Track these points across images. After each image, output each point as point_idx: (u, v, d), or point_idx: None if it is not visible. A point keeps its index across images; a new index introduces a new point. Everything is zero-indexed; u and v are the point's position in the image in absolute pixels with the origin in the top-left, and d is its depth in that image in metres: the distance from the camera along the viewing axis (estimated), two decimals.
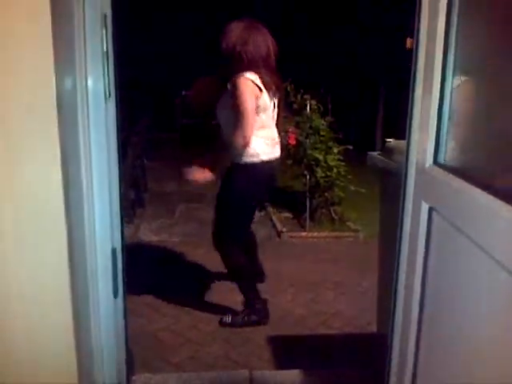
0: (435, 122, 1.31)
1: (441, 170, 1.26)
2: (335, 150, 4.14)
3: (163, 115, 7.95)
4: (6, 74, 1.09)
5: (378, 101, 7.81)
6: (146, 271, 3.12)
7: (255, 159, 2.39)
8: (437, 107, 1.31)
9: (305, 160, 4.08)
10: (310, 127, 4.12)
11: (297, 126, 4.15)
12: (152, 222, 4.31)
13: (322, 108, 4.21)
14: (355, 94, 8.21)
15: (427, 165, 1.32)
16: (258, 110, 2.33)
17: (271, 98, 2.43)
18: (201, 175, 2.44)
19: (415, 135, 1.41)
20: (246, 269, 2.63)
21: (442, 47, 1.30)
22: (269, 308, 2.67)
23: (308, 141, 4.07)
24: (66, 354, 1.18)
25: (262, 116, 2.38)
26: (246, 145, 2.31)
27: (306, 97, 4.17)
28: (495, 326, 1.00)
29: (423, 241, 1.34)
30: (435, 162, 1.31)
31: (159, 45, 8.80)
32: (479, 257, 1.05)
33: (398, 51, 8.56)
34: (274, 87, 2.40)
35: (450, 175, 1.21)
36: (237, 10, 8.79)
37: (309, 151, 4.04)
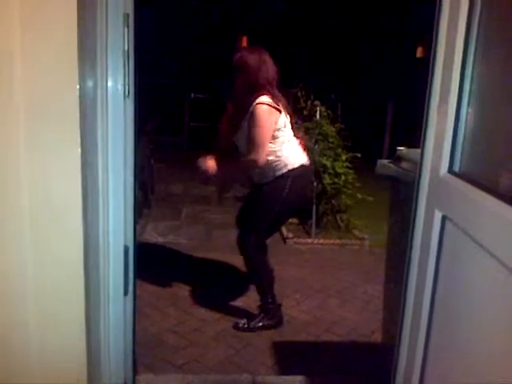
0: (451, 130, 1.30)
1: (456, 179, 1.26)
2: (343, 157, 4.14)
3: (171, 117, 7.99)
4: (33, 68, 1.11)
5: (386, 109, 7.81)
6: (151, 272, 3.13)
7: (290, 167, 2.48)
8: (454, 115, 1.30)
9: (312, 166, 4.07)
10: (319, 133, 4.12)
11: (306, 132, 4.15)
12: (158, 223, 4.32)
13: (331, 114, 4.21)
14: (364, 102, 8.22)
15: (442, 173, 1.32)
16: (279, 128, 2.45)
17: (287, 116, 2.53)
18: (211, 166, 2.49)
19: (430, 143, 1.41)
20: (269, 272, 2.64)
21: (462, 54, 1.29)
22: (283, 313, 2.69)
23: (316, 147, 4.07)
24: (77, 350, 1.19)
25: (286, 130, 2.50)
26: (258, 167, 2.44)
27: (315, 103, 4.18)
28: (509, 336, 1.00)
29: (435, 249, 1.34)
30: (450, 170, 1.31)
31: (170, 47, 8.86)
32: (493, 266, 1.04)
33: (409, 59, 8.59)
34: (287, 106, 2.54)
35: (465, 184, 1.21)
36: (246, 17, 8.84)
37: (317, 158, 4.04)
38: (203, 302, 2.90)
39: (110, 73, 1.28)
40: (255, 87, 2.41)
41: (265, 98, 2.38)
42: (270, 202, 2.51)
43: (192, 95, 8.62)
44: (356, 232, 4.19)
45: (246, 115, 2.42)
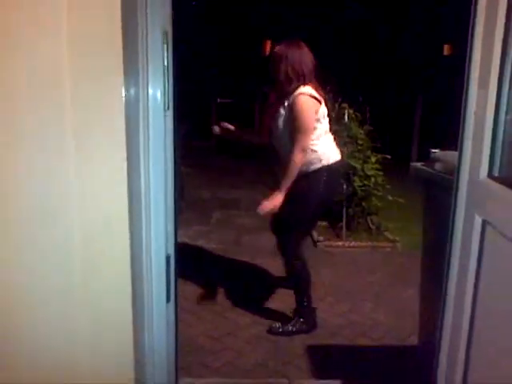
0: (490, 133, 1.29)
1: (496, 183, 1.25)
2: (373, 159, 4.11)
3: (199, 122, 8.09)
4: (85, 81, 1.18)
5: (415, 110, 7.69)
6: (184, 277, 3.18)
7: (324, 162, 2.50)
8: (492, 117, 1.29)
9: (345, 161, 4.05)
10: (348, 136, 4.11)
11: (334, 134, 4.13)
12: (189, 228, 4.37)
13: (360, 117, 4.19)
14: (393, 103, 8.12)
15: (481, 177, 1.31)
16: (319, 119, 2.47)
17: (325, 107, 2.55)
18: (273, 203, 2.47)
19: (468, 146, 1.40)
20: (308, 273, 2.66)
21: (500, 51, 1.27)
22: (317, 317, 2.69)
23: (345, 149, 4.05)
24: (125, 354, 1.24)
25: (324, 122, 2.53)
26: (302, 161, 2.43)
27: (343, 105, 4.16)
28: None
29: (476, 253, 1.33)
30: (490, 174, 1.30)
31: (195, 53, 8.96)
32: None
33: (436, 57, 8.45)
34: (325, 98, 2.57)
35: (506, 188, 1.20)
36: (270, 22, 8.84)
37: (346, 160, 4.02)
38: (236, 306, 2.93)
39: (150, 87, 1.33)
40: (297, 78, 2.43)
41: (306, 89, 2.42)
42: (308, 198, 2.52)
43: (218, 100, 8.71)
44: (387, 234, 4.16)
45: (284, 104, 2.45)
